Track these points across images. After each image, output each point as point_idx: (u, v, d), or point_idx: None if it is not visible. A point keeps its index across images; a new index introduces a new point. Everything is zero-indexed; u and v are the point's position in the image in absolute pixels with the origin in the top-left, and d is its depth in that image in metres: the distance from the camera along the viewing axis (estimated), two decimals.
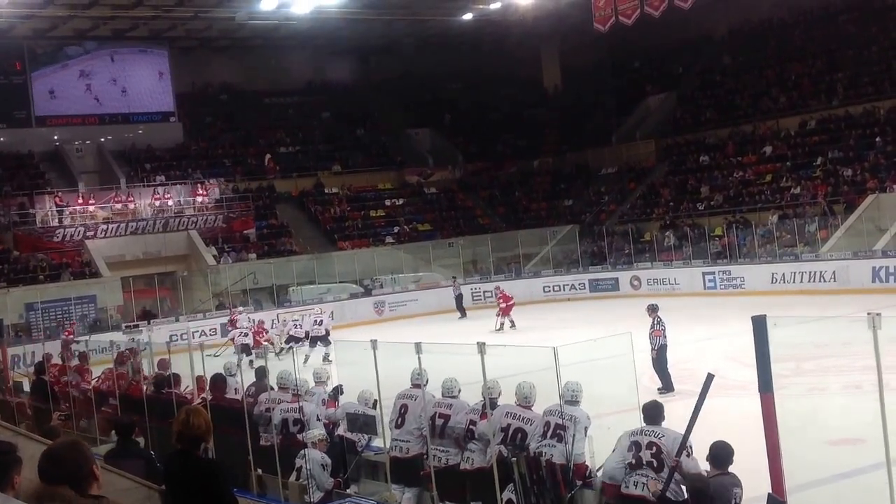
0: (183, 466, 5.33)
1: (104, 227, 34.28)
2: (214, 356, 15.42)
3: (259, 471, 9.72)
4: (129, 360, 15.24)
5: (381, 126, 45.73)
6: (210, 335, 28.34)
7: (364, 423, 9.25)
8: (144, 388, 12.14)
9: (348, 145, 43.80)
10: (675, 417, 7.61)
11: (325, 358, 22.20)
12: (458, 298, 31.62)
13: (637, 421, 7.33)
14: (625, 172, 41.03)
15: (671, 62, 44.05)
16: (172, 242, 35.12)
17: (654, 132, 41.61)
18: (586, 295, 33.46)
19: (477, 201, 42.93)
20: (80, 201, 34.88)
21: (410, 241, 38.46)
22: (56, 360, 17.81)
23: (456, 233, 39.40)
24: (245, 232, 36.96)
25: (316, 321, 24.17)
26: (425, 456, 8.79)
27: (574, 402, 7.96)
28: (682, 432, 7.01)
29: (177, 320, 29.77)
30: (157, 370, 13.58)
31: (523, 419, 8.23)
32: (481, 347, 7.40)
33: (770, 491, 6.25)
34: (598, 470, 7.66)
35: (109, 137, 38.70)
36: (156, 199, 35.98)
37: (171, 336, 22.89)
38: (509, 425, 8.24)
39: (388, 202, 41.38)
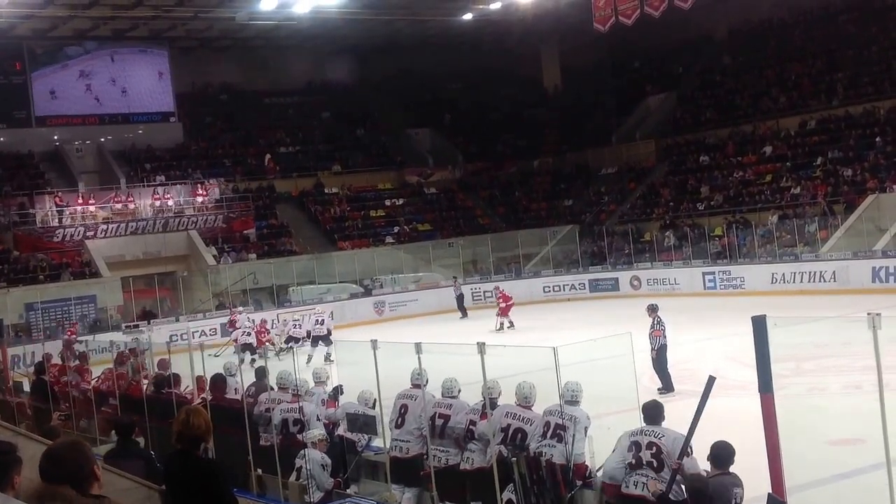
0: (183, 466, 5.33)
1: (104, 227, 34.28)
2: (214, 356, 15.40)
3: (259, 471, 9.72)
4: (128, 360, 15.26)
5: (381, 126, 45.73)
6: (210, 335, 28.35)
7: (364, 423, 9.25)
8: (144, 388, 12.14)
9: (348, 145, 43.80)
10: (676, 417, 7.61)
11: (327, 358, 22.22)
12: (460, 298, 31.62)
13: (637, 421, 7.33)
14: (625, 172, 41.03)
15: (671, 62, 44.05)
16: (172, 242, 35.12)
17: (654, 132, 41.61)
18: (586, 295, 33.46)
19: (477, 201, 42.93)
20: (80, 201, 34.88)
21: (410, 241, 38.46)
22: (56, 360, 17.80)
23: (456, 233, 39.40)
24: (245, 232, 36.97)
25: (317, 320, 24.19)
26: (425, 456, 8.79)
27: (574, 402, 7.96)
28: (683, 432, 7.01)
29: (177, 320, 29.77)
30: (157, 370, 13.59)
31: (523, 419, 8.23)
32: (481, 347, 7.40)
33: (770, 491, 6.25)
34: (598, 470, 7.66)
35: (109, 137, 38.70)
36: (156, 199, 35.99)
37: (171, 336, 22.92)
38: (509, 425, 8.24)
39: (388, 202, 41.39)
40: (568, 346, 7.34)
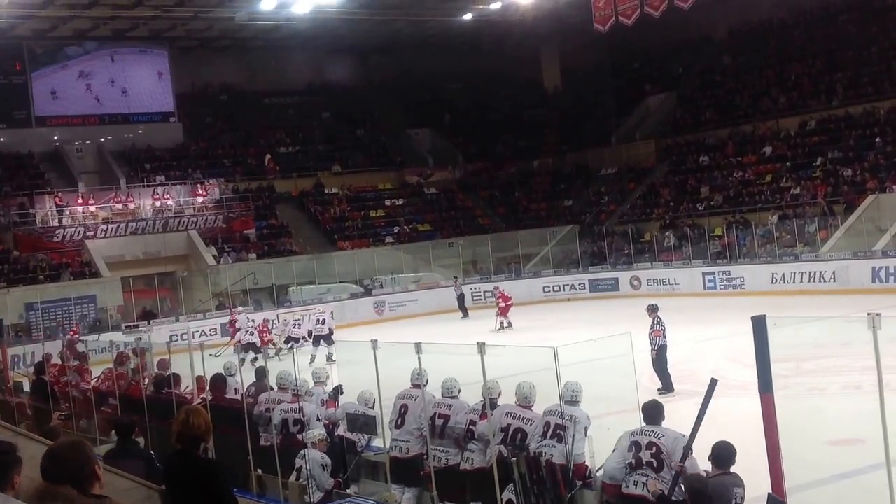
0: (183, 466, 5.33)
1: (104, 227, 34.28)
2: (214, 356, 15.40)
3: (259, 471, 9.72)
4: (128, 360, 15.25)
5: (381, 126, 45.74)
6: (210, 335, 28.37)
7: (364, 423, 9.25)
8: (144, 388, 12.14)
9: (348, 145, 43.80)
10: (676, 417, 7.61)
11: (329, 357, 22.26)
12: (461, 298, 31.62)
13: (637, 421, 7.33)
14: (625, 172, 41.03)
15: (671, 62, 44.05)
16: (172, 242, 35.12)
17: (654, 132, 41.61)
18: (586, 295, 33.47)
19: (477, 201, 42.93)
20: (80, 201, 34.89)
21: (410, 241, 38.46)
22: (56, 360, 17.79)
23: (456, 233, 39.40)
24: (245, 232, 36.97)
25: (318, 320, 24.23)
26: (425, 456, 8.79)
27: (574, 402, 7.96)
28: (683, 432, 7.01)
29: (177, 320, 29.76)
30: (157, 370, 13.59)
31: (523, 419, 8.23)
32: (481, 347, 7.40)
33: (770, 491, 6.24)
34: (598, 470, 7.65)
35: (109, 137, 38.71)
36: (156, 199, 35.99)
37: (171, 336, 22.90)
38: (509, 425, 8.24)
39: (388, 202, 41.39)
40: (568, 346, 7.34)
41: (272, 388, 10.66)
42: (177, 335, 25.67)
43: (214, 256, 34.73)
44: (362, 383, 9.63)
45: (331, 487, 8.84)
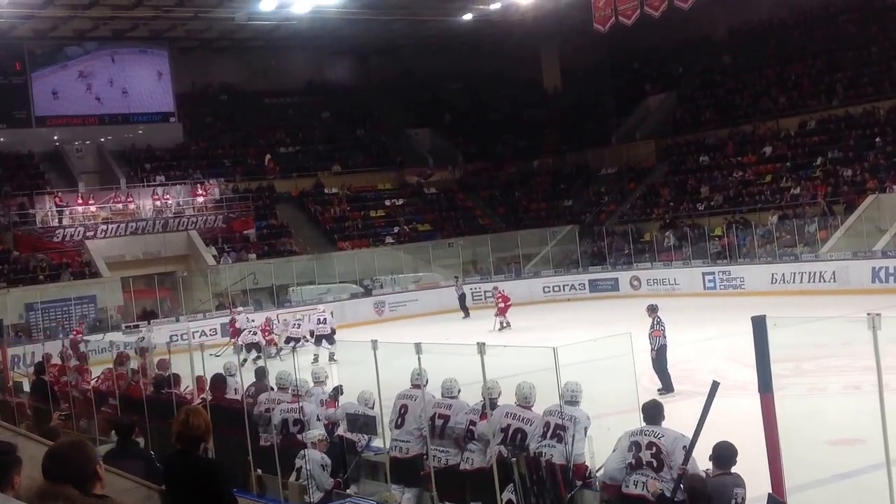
0: (183, 466, 5.33)
1: (104, 227, 34.28)
2: (215, 356, 15.41)
3: (259, 471, 9.72)
4: (128, 360, 15.25)
5: (381, 126, 45.74)
6: (210, 335, 28.38)
7: (364, 423, 9.25)
8: (144, 388, 12.14)
9: (348, 145, 43.80)
10: (676, 418, 7.61)
11: (331, 357, 22.31)
12: (462, 298, 31.61)
13: (637, 421, 7.32)
14: (625, 172, 41.03)
15: (671, 62, 44.05)
16: (172, 242, 35.12)
17: (654, 132, 41.61)
18: (586, 295, 33.46)
19: (477, 201, 42.93)
20: (80, 201, 34.89)
21: (410, 242, 38.46)
22: (56, 360, 17.80)
23: (456, 233, 39.40)
24: (245, 232, 36.97)
25: (320, 319, 24.27)
26: (425, 456, 8.78)
27: (574, 402, 7.96)
28: (682, 432, 7.01)
29: (177, 320, 29.76)
30: (157, 370, 13.59)
31: (523, 419, 8.23)
32: (481, 348, 7.40)
33: (770, 491, 6.24)
34: (598, 470, 7.65)
35: (109, 137, 38.71)
36: (156, 200, 36.00)
37: (171, 336, 22.92)
38: (509, 425, 8.24)
39: (388, 202, 41.39)
40: (568, 347, 7.33)
41: (272, 388, 10.66)
42: (177, 335, 25.71)
43: (214, 256, 34.73)
44: (362, 383, 9.64)
45: (331, 487, 8.84)
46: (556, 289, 34.36)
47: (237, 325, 26.26)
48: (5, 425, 7.00)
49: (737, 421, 9.61)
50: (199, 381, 11.62)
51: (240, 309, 29.04)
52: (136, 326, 27.62)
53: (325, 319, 24.16)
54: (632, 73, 45.27)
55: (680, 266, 32.47)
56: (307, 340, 24.30)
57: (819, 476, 9.58)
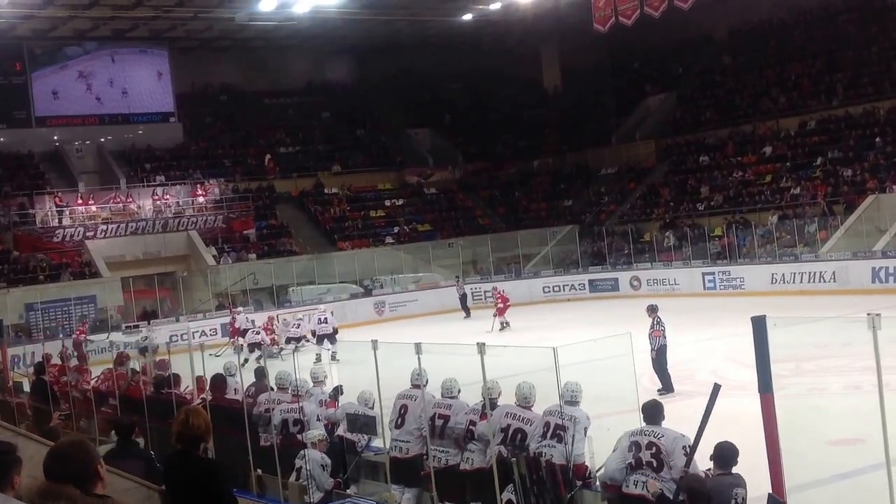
0: (183, 466, 5.33)
1: (104, 227, 34.28)
2: (215, 356, 15.41)
3: (259, 471, 9.72)
4: (128, 360, 15.25)
5: (381, 126, 45.74)
6: (210, 335, 28.38)
7: (364, 423, 9.25)
8: (144, 388, 12.14)
9: (348, 145, 43.80)
10: (676, 418, 7.61)
11: (333, 356, 22.34)
12: (463, 298, 31.61)
13: (637, 421, 7.33)
14: (625, 172, 41.03)
15: (671, 62, 44.05)
16: (172, 243, 35.12)
17: (654, 132, 41.61)
18: (586, 295, 33.45)
19: (477, 201, 42.93)
20: (80, 201, 34.89)
21: (410, 242, 38.46)
22: (56, 360, 17.81)
23: (456, 233, 39.40)
24: (245, 232, 36.97)
25: (320, 319, 24.29)
26: (425, 456, 8.78)
27: (574, 402, 7.96)
28: (682, 432, 7.01)
29: (177, 321, 29.77)
30: (157, 370, 13.59)
31: (523, 419, 8.23)
32: (481, 348, 7.40)
33: (770, 491, 6.24)
34: (598, 470, 7.65)
35: (109, 137, 38.71)
36: (156, 200, 36.00)
37: (171, 336, 22.93)
38: (509, 426, 8.24)
39: (388, 202, 41.39)
40: (568, 347, 7.34)
41: (272, 389, 10.66)
42: (177, 335, 25.72)
43: (214, 256, 34.73)
44: (362, 383, 9.64)
45: (331, 487, 8.84)
46: (556, 289, 34.35)
47: (237, 325, 26.29)
48: (5, 425, 7.00)
49: (737, 421, 9.61)
50: (199, 381, 11.62)
51: (240, 309, 29.06)
52: (136, 327, 27.65)
53: (326, 319, 24.19)
54: (632, 73, 45.27)
55: (680, 266, 32.46)
56: (308, 340, 24.33)
57: (819, 476, 9.58)
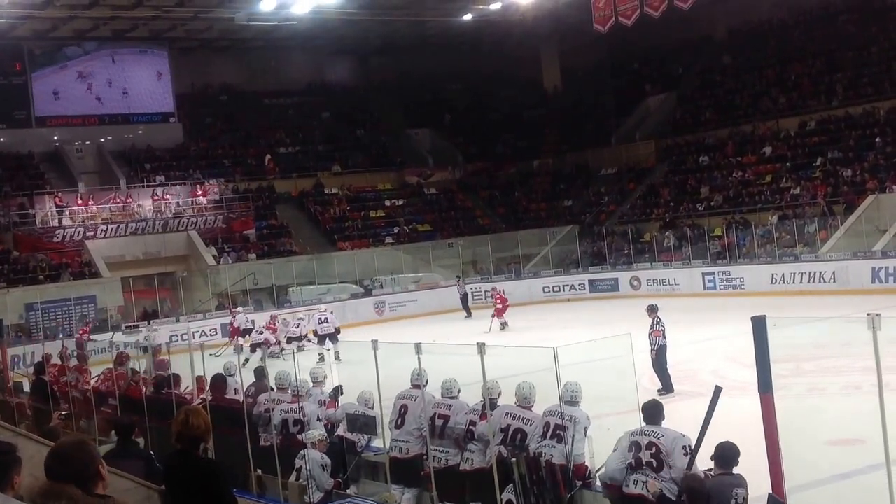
0: (183, 466, 5.33)
1: (104, 227, 34.28)
2: (215, 356, 15.41)
3: (259, 471, 9.72)
4: (128, 360, 15.25)
5: (381, 126, 45.75)
6: (210, 335, 28.38)
7: (364, 423, 9.25)
8: (144, 388, 12.14)
9: (348, 145, 43.81)
10: (675, 418, 7.61)
11: (336, 356, 22.36)
12: (464, 298, 31.59)
13: (637, 421, 7.33)
14: (624, 173, 41.03)
15: (671, 62, 44.05)
16: (172, 243, 35.12)
17: (654, 132, 41.61)
18: (586, 295, 33.45)
19: (477, 202, 42.93)
20: (80, 202, 34.89)
21: (410, 242, 38.46)
22: (56, 360, 17.81)
23: (456, 233, 39.40)
24: (245, 232, 36.97)
25: (321, 319, 24.29)
26: (425, 456, 8.78)
27: (574, 402, 7.96)
28: (682, 432, 7.01)
29: (177, 321, 29.76)
30: (156, 370, 13.59)
31: (523, 420, 8.23)
32: (481, 348, 7.40)
33: (770, 491, 6.24)
34: (598, 471, 7.65)
35: (109, 138, 38.72)
36: (155, 200, 36.00)
37: (171, 336, 22.93)
38: (509, 426, 8.24)
39: (387, 202, 41.40)
40: (568, 347, 7.34)
41: (272, 389, 10.67)
42: (177, 335, 25.72)
43: (214, 257, 34.73)
44: (362, 383, 9.64)
45: (331, 488, 8.84)
46: (556, 289, 34.35)
47: (236, 325, 26.30)
48: (5, 425, 7.00)
49: (737, 421, 9.61)
50: (199, 381, 11.62)
51: (239, 309, 29.06)
52: (137, 327, 27.62)
53: (327, 318, 24.20)
54: (632, 73, 45.27)
55: (680, 266, 32.46)
56: (310, 340, 24.32)
57: (819, 476, 9.58)
